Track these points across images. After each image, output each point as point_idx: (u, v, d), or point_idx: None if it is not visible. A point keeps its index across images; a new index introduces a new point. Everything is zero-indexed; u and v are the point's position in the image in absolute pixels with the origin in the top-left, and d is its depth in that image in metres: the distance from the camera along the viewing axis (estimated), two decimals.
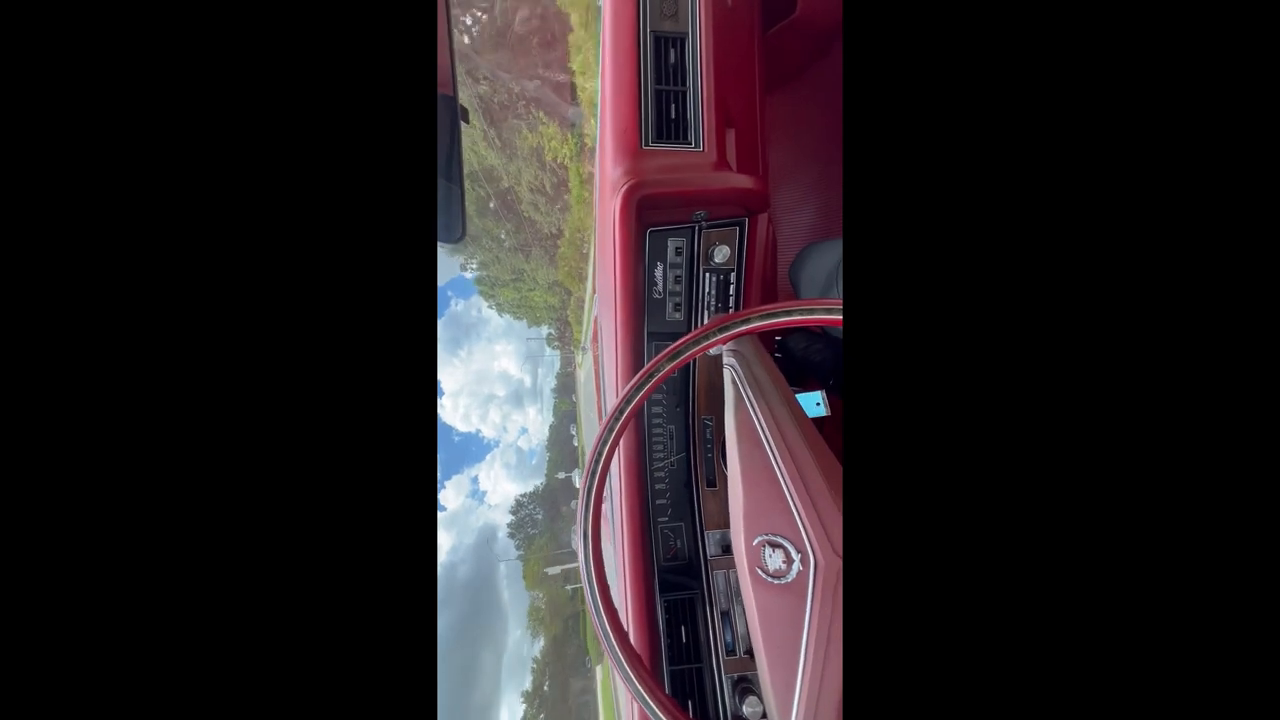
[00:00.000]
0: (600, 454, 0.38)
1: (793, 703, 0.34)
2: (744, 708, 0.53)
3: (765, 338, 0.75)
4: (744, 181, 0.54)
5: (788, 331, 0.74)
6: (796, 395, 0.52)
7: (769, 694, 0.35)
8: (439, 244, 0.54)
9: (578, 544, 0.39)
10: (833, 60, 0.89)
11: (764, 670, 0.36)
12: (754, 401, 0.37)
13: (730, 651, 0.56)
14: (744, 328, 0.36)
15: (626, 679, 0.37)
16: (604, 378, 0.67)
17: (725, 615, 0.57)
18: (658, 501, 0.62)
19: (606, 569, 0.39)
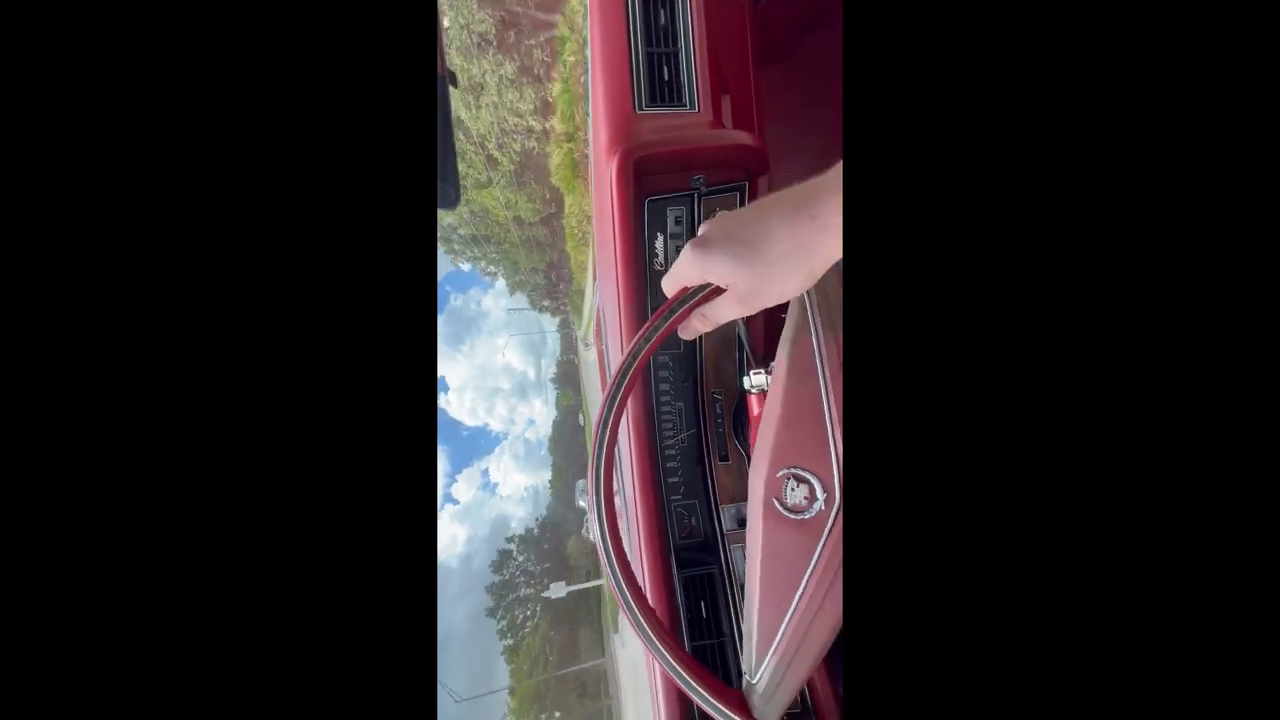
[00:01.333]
0: (608, 414, 0.36)
1: (775, 639, 0.32)
2: None
3: (777, 313, 0.73)
4: (742, 138, 0.52)
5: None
6: None
7: (751, 627, 0.33)
8: (441, 207, 0.53)
9: (590, 515, 0.37)
10: (820, 38, 0.88)
11: (753, 602, 0.34)
12: (820, 330, 0.34)
13: None
14: (660, 332, 0.34)
15: (645, 638, 0.34)
16: (609, 363, 0.66)
17: (745, 590, 0.55)
18: (670, 479, 0.60)
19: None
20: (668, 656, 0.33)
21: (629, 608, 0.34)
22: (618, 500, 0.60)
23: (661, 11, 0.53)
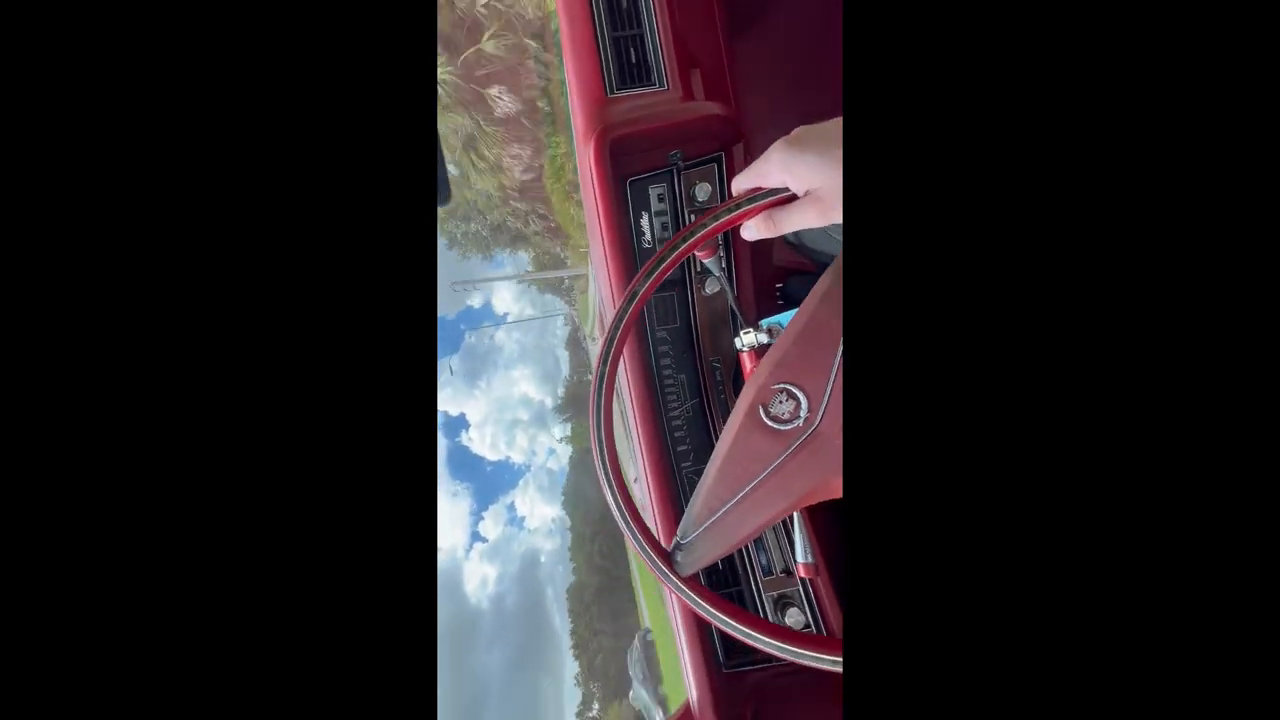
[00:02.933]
0: (601, 374, 0.39)
1: (711, 517, 0.36)
2: (786, 619, 0.54)
3: (769, 285, 0.74)
4: (713, 108, 0.54)
5: (787, 276, 0.73)
6: (791, 313, 0.51)
7: (697, 499, 0.37)
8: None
9: (595, 460, 0.40)
10: (791, 3, 0.87)
11: (707, 480, 0.37)
12: None
13: (768, 572, 0.56)
14: (719, 223, 0.36)
15: (654, 567, 0.38)
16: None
17: (758, 543, 0.57)
18: (679, 448, 0.62)
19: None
20: (617, 497, 0.38)
21: (602, 463, 0.39)
22: (631, 475, 0.63)
23: None
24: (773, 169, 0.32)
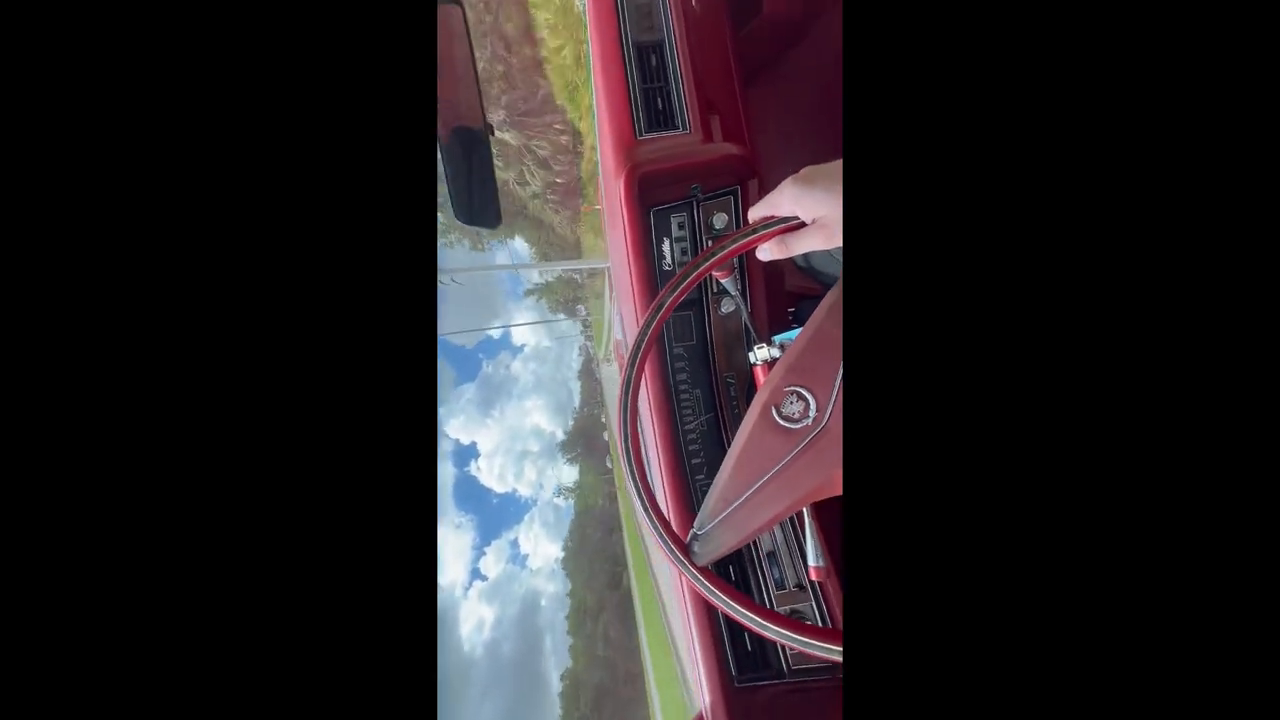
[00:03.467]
0: (629, 378, 0.44)
1: (726, 510, 0.40)
2: None
3: (781, 308, 0.78)
4: (730, 149, 0.60)
5: (799, 301, 0.78)
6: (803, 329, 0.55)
7: (713, 494, 0.40)
8: (481, 229, 0.63)
9: (621, 458, 0.44)
10: (802, 49, 0.96)
11: (722, 475, 0.40)
12: None
13: (780, 586, 0.58)
14: (736, 245, 0.41)
15: (670, 553, 0.41)
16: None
17: (771, 555, 0.59)
18: (693, 460, 0.65)
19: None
20: (640, 491, 0.41)
21: (626, 455, 0.42)
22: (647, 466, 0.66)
23: (653, 56, 0.63)
24: (784, 201, 0.38)
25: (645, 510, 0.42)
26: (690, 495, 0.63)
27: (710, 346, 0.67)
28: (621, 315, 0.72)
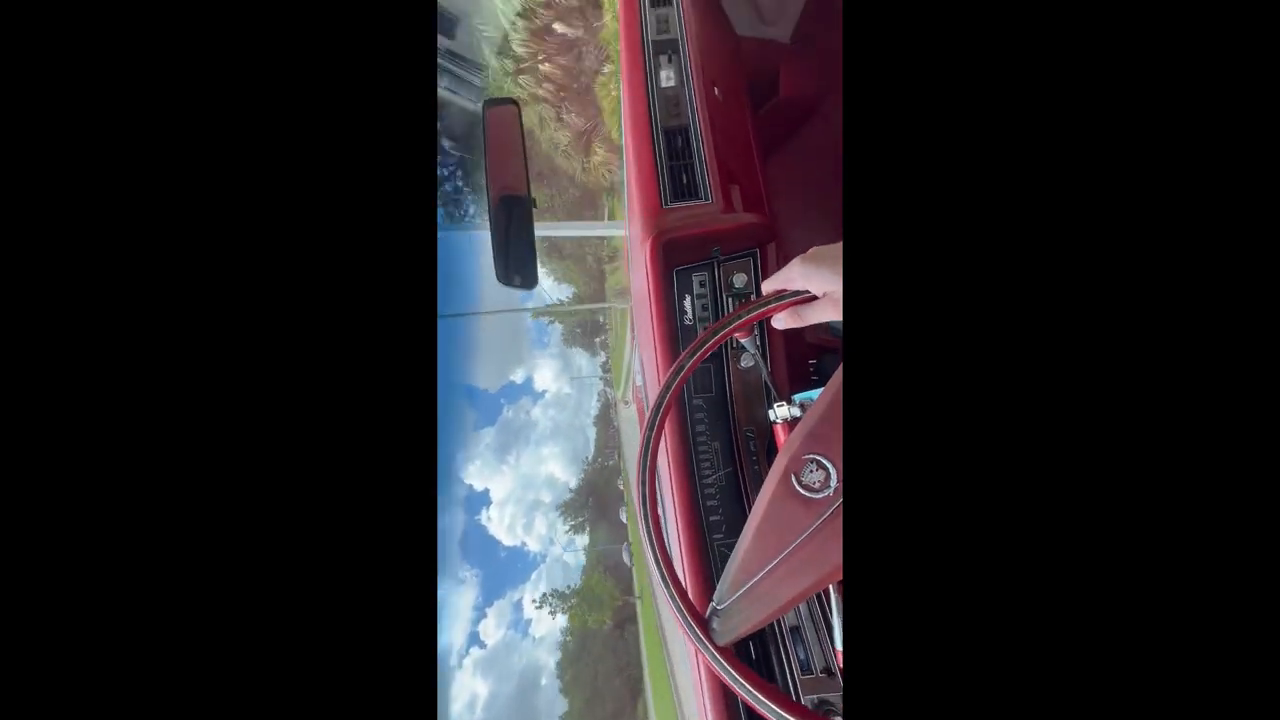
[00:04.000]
0: (648, 440, 0.46)
1: (747, 583, 0.39)
2: None
3: (803, 361, 0.80)
4: (749, 218, 0.66)
5: (820, 354, 0.79)
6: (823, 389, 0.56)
7: (733, 566, 0.39)
8: (520, 290, 0.69)
9: (640, 530, 0.45)
10: (815, 124, 1.04)
11: (741, 547, 0.39)
12: None
13: (805, 669, 0.55)
14: (751, 315, 0.44)
15: (693, 636, 0.40)
16: (649, 407, 0.75)
17: (795, 631, 0.56)
18: (711, 518, 0.65)
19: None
20: (660, 564, 0.40)
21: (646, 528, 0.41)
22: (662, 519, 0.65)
23: (679, 138, 0.71)
24: (795, 276, 0.41)
25: (663, 578, 0.42)
26: (709, 557, 0.62)
27: (730, 399, 0.68)
28: (642, 362, 0.75)
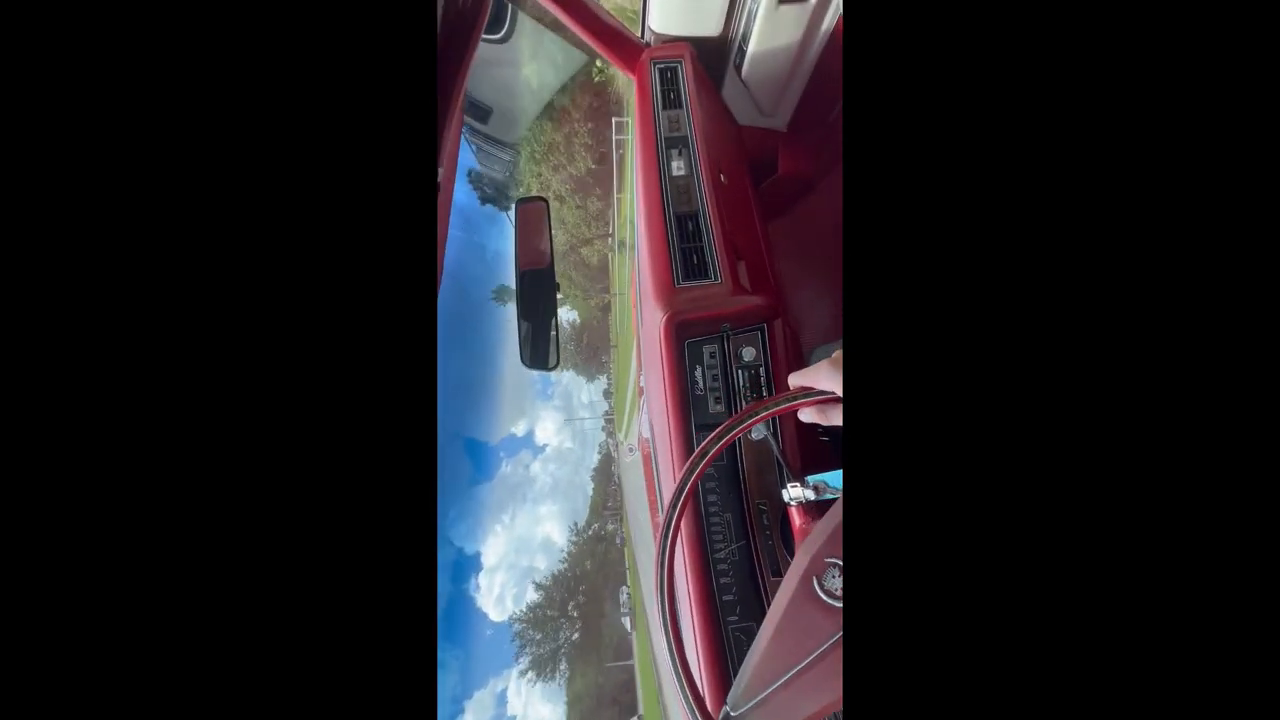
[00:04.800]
0: (667, 534, 0.46)
1: (764, 690, 0.36)
2: None
3: (805, 428, 0.81)
4: (756, 300, 0.70)
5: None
6: (837, 473, 0.56)
7: (748, 669, 0.37)
8: (540, 370, 0.73)
9: (656, 630, 0.44)
10: (816, 196, 1.13)
11: (758, 649, 0.37)
12: None
13: None
14: (776, 409, 0.46)
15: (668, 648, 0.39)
16: (659, 470, 0.76)
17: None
18: (725, 598, 0.63)
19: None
20: (680, 674, 0.38)
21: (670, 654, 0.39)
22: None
23: (689, 222, 0.77)
24: (822, 378, 0.43)
25: (679, 678, 0.41)
26: (723, 643, 0.60)
27: (741, 471, 0.69)
28: (651, 422, 0.77)
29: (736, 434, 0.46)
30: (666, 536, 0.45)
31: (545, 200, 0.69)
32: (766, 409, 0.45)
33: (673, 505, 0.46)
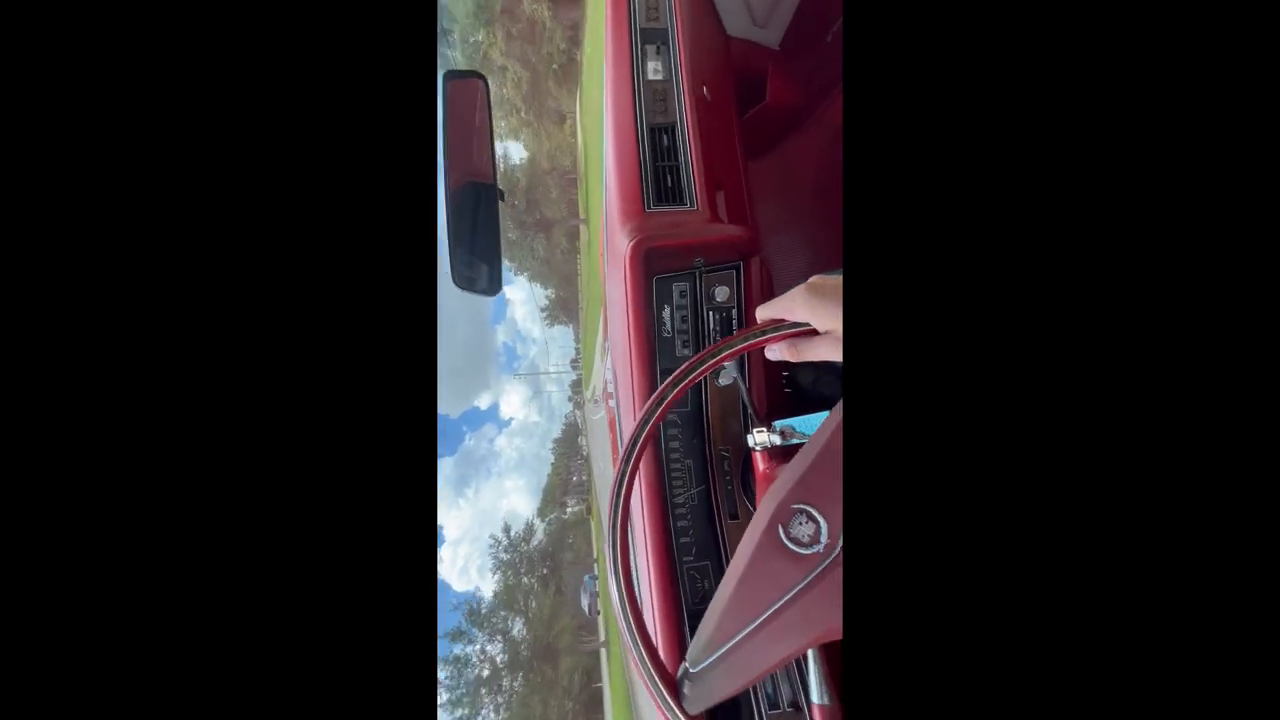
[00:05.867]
0: (623, 476, 0.41)
1: (726, 644, 0.34)
2: None
3: (774, 372, 0.78)
4: (734, 230, 0.62)
5: (796, 366, 0.78)
6: (806, 417, 0.54)
7: (709, 623, 0.35)
8: (483, 295, 0.61)
9: (610, 582, 0.40)
10: (803, 134, 1.03)
11: (720, 602, 0.35)
12: None
13: (773, 705, 0.53)
14: (744, 344, 0.40)
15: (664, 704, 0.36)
16: (620, 418, 0.71)
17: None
18: (681, 540, 0.62)
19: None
20: (635, 634, 0.36)
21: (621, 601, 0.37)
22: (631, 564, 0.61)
23: (665, 136, 0.66)
24: (797, 307, 0.38)
25: (632, 636, 0.38)
26: (678, 581, 0.58)
27: (706, 417, 0.65)
28: (614, 368, 0.71)
29: (701, 374, 0.41)
30: (620, 488, 0.40)
31: (483, 77, 0.54)
32: (732, 345, 0.40)
33: (628, 453, 0.41)
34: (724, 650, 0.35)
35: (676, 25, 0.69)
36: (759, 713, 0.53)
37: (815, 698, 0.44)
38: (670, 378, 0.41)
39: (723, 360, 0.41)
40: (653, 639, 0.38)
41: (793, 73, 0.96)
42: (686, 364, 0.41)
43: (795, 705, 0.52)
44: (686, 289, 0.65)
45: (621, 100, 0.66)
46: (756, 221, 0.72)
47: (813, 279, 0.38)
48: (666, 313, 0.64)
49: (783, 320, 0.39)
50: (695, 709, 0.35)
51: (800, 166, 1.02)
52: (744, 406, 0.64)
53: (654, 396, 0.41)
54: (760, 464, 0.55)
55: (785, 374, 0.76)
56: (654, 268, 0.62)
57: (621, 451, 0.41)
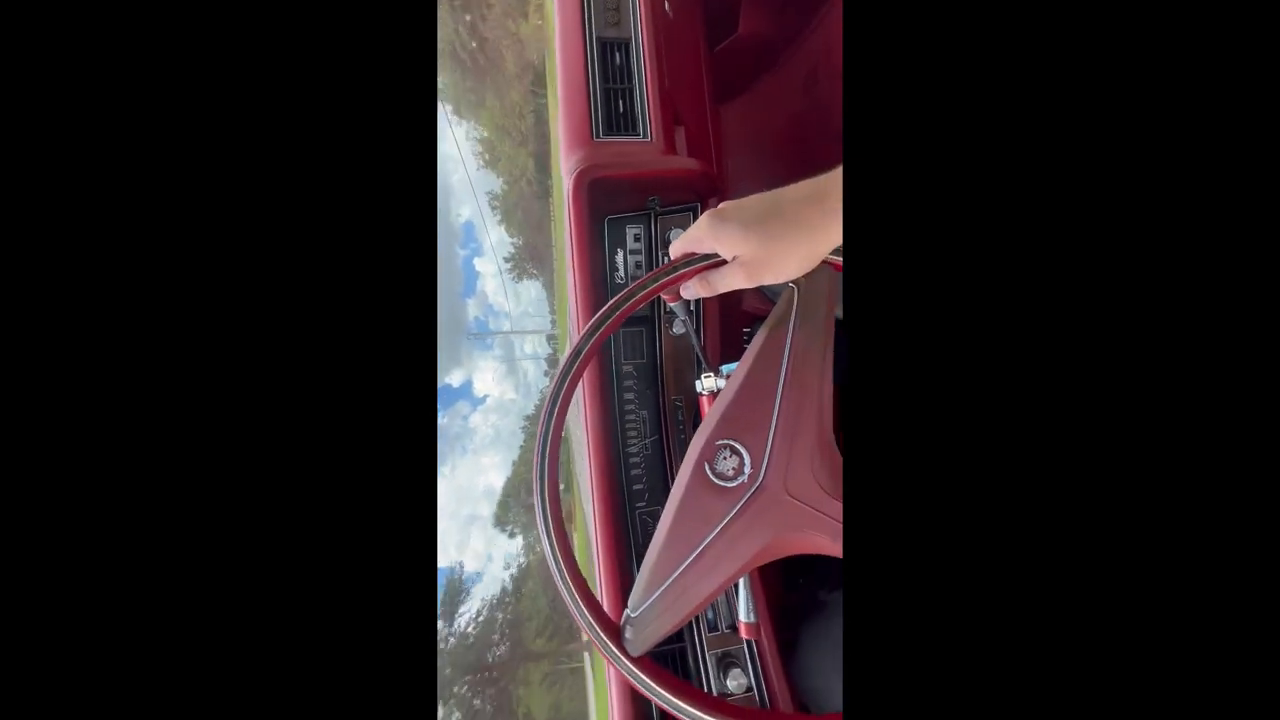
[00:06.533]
0: (556, 397, 0.38)
1: (662, 584, 0.35)
2: (728, 682, 0.51)
3: (735, 331, 0.76)
4: (691, 164, 0.57)
5: (753, 322, 0.76)
6: None
7: (647, 568, 0.36)
8: None
9: (535, 503, 0.38)
10: (778, 74, 0.96)
11: (656, 546, 0.36)
12: (795, 325, 0.36)
13: (712, 628, 0.54)
14: (656, 285, 0.37)
15: (592, 630, 0.35)
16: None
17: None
18: (634, 487, 0.61)
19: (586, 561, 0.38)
20: (568, 580, 0.36)
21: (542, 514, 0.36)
22: (587, 514, 0.60)
23: (617, 54, 0.59)
24: (703, 237, 0.34)
25: (565, 586, 0.36)
26: (627, 526, 0.58)
27: (660, 367, 0.63)
28: (576, 323, 0.67)
29: (610, 328, 0.38)
30: (545, 444, 0.37)
31: None
32: (645, 288, 0.37)
33: (548, 412, 0.38)
34: (662, 590, 0.35)
35: None
36: (698, 636, 0.54)
37: (743, 616, 0.45)
38: (584, 330, 0.38)
39: (633, 307, 0.37)
40: (589, 586, 0.37)
41: (769, 2, 0.87)
42: (597, 315, 0.38)
43: (732, 625, 0.54)
44: (641, 232, 0.60)
45: (569, 4, 0.58)
46: (722, 161, 0.67)
47: (719, 205, 0.34)
48: (620, 257, 0.60)
49: (693, 254, 0.36)
50: (638, 650, 0.35)
51: (772, 113, 0.96)
52: (696, 355, 0.62)
53: (569, 352, 0.38)
54: (707, 408, 0.54)
55: (746, 330, 0.74)
56: (603, 206, 0.57)
57: (543, 412, 0.38)
